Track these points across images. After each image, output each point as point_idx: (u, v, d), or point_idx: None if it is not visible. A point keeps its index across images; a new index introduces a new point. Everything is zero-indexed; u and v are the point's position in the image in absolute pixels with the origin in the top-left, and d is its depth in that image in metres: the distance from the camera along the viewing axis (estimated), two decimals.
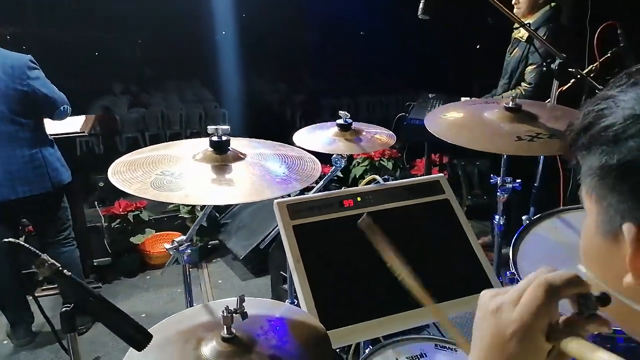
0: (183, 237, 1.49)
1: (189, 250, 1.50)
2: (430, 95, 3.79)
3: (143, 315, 3.10)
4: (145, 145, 8.79)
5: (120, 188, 1.10)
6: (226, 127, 1.24)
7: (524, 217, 1.60)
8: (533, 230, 1.51)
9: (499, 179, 1.81)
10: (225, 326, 1.02)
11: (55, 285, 3.21)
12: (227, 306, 1.02)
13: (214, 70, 10.21)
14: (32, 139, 2.60)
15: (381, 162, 3.81)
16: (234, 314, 1.03)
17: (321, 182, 1.67)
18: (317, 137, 1.58)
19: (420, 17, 1.55)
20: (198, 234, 3.68)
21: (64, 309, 0.89)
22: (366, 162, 3.88)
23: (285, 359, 1.03)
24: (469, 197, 4.00)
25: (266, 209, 3.50)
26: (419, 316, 1.32)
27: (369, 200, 1.49)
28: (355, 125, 1.60)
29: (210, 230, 3.75)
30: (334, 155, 1.57)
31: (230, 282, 3.42)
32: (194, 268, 3.60)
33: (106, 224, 3.64)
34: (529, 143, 1.37)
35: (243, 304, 1.05)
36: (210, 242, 3.79)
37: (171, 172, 1.16)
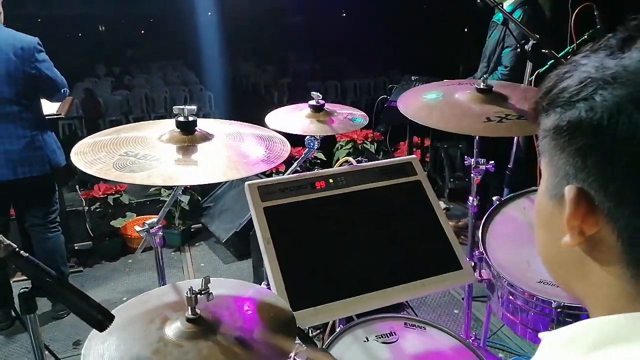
0: (154, 220, 1.48)
1: (160, 233, 1.49)
2: (413, 78, 3.78)
3: (124, 299, 3.09)
4: None
5: (82, 169, 1.08)
6: (192, 107, 1.23)
7: (494, 198, 1.61)
8: (502, 211, 1.53)
9: (472, 160, 1.82)
10: (189, 307, 1.02)
11: None
12: (191, 287, 1.02)
13: (199, 53, 10.11)
14: (33, 120, 2.62)
15: (364, 144, 3.82)
16: (198, 295, 1.03)
17: (295, 164, 1.66)
18: (290, 118, 1.57)
19: None
20: (180, 217, 3.67)
21: (22, 291, 0.89)
22: (349, 145, 3.88)
23: (249, 339, 1.03)
24: (451, 179, 4.03)
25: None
26: (387, 296, 1.34)
27: (341, 181, 1.49)
28: (328, 106, 1.59)
29: (192, 213, 3.74)
30: (307, 137, 1.56)
31: (212, 265, 3.43)
32: (176, 252, 3.60)
33: (87, 208, 3.62)
34: (497, 124, 1.38)
35: (208, 284, 1.05)
36: (192, 226, 3.78)
37: (135, 152, 1.14)
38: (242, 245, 3.35)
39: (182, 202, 3.54)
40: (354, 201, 1.48)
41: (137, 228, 1.49)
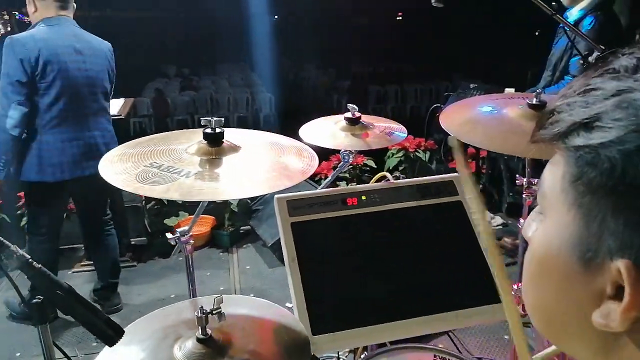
0: (185, 228, 1.48)
1: (191, 241, 1.49)
2: (471, 86, 3.62)
3: (172, 296, 3.18)
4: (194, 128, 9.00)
5: (108, 180, 1.09)
6: (220, 118, 1.21)
7: None
8: None
9: (525, 180, 1.69)
10: (199, 327, 1.00)
11: (92, 262, 3.36)
12: (202, 306, 1.00)
13: (263, 55, 10.29)
14: (110, 117, 2.85)
15: (416, 153, 3.69)
16: (209, 315, 1.01)
17: (329, 178, 1.61)
18: (324, 130, 1.52)
19: (433, 4, 1.44)
20: (230, 219, 3.73)
21: (34, 301, 0.90)
22: (401, 154, 3.77)
23: None
24: (510, 193, 3.81)
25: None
26: (416, 326, 1.25)
27: (374, 199, 1.43)
28: (365, 118, 1.52)
29: (242, 215, 3.79)
30: (342, 150, 1.50)
31: (257, 268, 3.44)
32: (224, 252, 3.65)
33: (144, 204, 3.75)
34: (547, 145, 1.25)
35: (220, 304, 1.02)
36: (241, 228, 3.83)
37: (160, 164, 1.14)
38: None
39: (232, 204, 3.59)
40: (386, 221, 1.41)
41: (169, 235, 1.50)
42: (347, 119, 1.50)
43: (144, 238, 3.75)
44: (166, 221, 3.66)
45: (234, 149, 1.24)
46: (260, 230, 3.63)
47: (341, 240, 1.36)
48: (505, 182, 3.82)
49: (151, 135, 1.36)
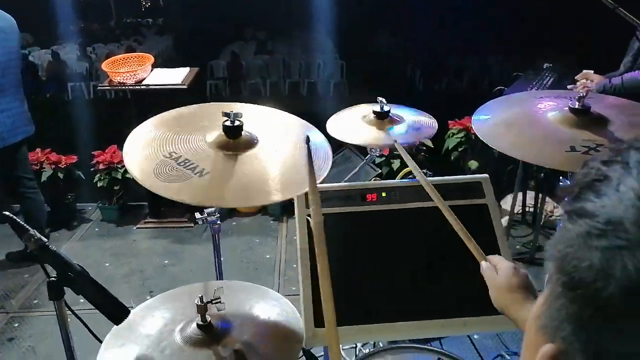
0: (212, 209, 1.55)
1: (218, 222, 1.56)
2: (545, 66, 3.36)
3: (222, 259, 3.34)
4: (266, 93, 9.05)
5: (129, 170, 1.16)
6: (239, 112, 1.23)
7: None
8: None
9: (568, 182, 1.57)
10: (199, 314, 1.06)
11: (155, 220, 3.59)
12: (202, 296, 1.06)
13: (337, 22, 10.11)
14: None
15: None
16: (209, 304, 1.07)
17: (354, 170, 1.60)
18: (352, 124, 1.49)
19: None
20: None
21: (50, 279, 1.00)
22: (461, 134, 3.62)
23: (250, 354, 1.05)
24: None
25: (349, 171, 3.48)
26: (421, 329, 1.25)
27: (395, 196, 1.40)
28: (394, 111, 1.47)
29: None
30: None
31: None
32: (275, 221, 3.76)
33: None
34: (582, 156, 1.15)
35: (221, 295, 1.08)
36: None
37: (178, 155, 1.19)
38: None
39: None
40: (405, 219, 1.39)
41: (197, 215, 1.57)
42: (375, 112, 1.47)
43: None
44: None
45: (251, 143, 1.26)
46: None
47: (356, 236, 1.36)
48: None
49: (180, 109, 1.40)
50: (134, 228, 3.70)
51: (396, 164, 3.46)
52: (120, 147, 3.77)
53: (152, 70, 3.46)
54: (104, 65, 3.37)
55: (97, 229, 3.73)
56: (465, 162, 3.67)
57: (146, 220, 3.74)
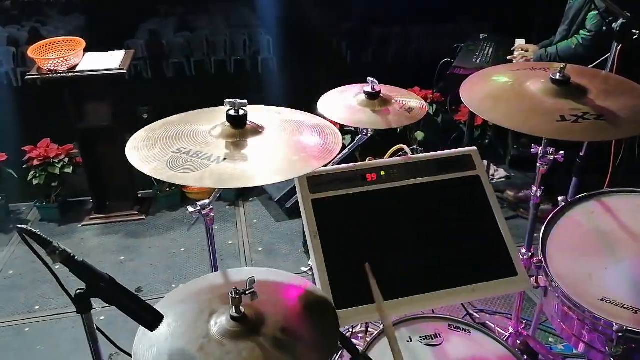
0: (206, 201, 1.51)
1: (212, 214, 1.52)
2: (481, 36, 3.53)
3: (182, 250, 3.26)
4: (191, 72, 8.69)
5: (138, 168, 1.10)
6: (244, 100, 1.20)
7: (560, 199, 1.50)
8: (567, 214, 1.43)
9: (540, 149, 1.70)
10: (233, 307, 1.05)
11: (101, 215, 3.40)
12: (236, 287, 1.04)
13: None
14: None
15: None
16: (243, 295, 1.05)
17: (345, 151, 1.61)
18: (342, 104, 1.50)
19: None
20: None
21: (78, 292, 0.93)
22: None
23: (291, 342, 1.05)
24: (515, 146, 3.82)
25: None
26: (434, 300, 1.31)
27: (393, 174, 1.44)
28: (385, 91, 1.50)
29: None
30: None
31: (264, 222, 3.51)
32: (231, 206, 3.70)
33: None
34: (572, 125, 1.25)
35: (253, 284, 1.06)
36: None
37: (187, 149, 1.14)
38: (294, 204, 3.39)
39: None
40: (405, 196, 1.43)
41: (190, 209, 1.52)
42: (366, 92, 1.48)
43: (151, 191, 3.79)
44: None
45: (257, 130, 1.24)
46: (267, 184, 3.67)
47: (361, 216, 1.39)
48: (510, 134, 3.83)
49: (168, 118, 1.34)
50: (79, 226, 3.48)
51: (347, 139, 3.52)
52: (54, 140, 3.55)
53: (84, 55, 3.21)
54: (30, 52, 3.08)
55: (37, 230, 3.45)
56: (412, 133, 3.80)
57: (92, 217, 3.53)
